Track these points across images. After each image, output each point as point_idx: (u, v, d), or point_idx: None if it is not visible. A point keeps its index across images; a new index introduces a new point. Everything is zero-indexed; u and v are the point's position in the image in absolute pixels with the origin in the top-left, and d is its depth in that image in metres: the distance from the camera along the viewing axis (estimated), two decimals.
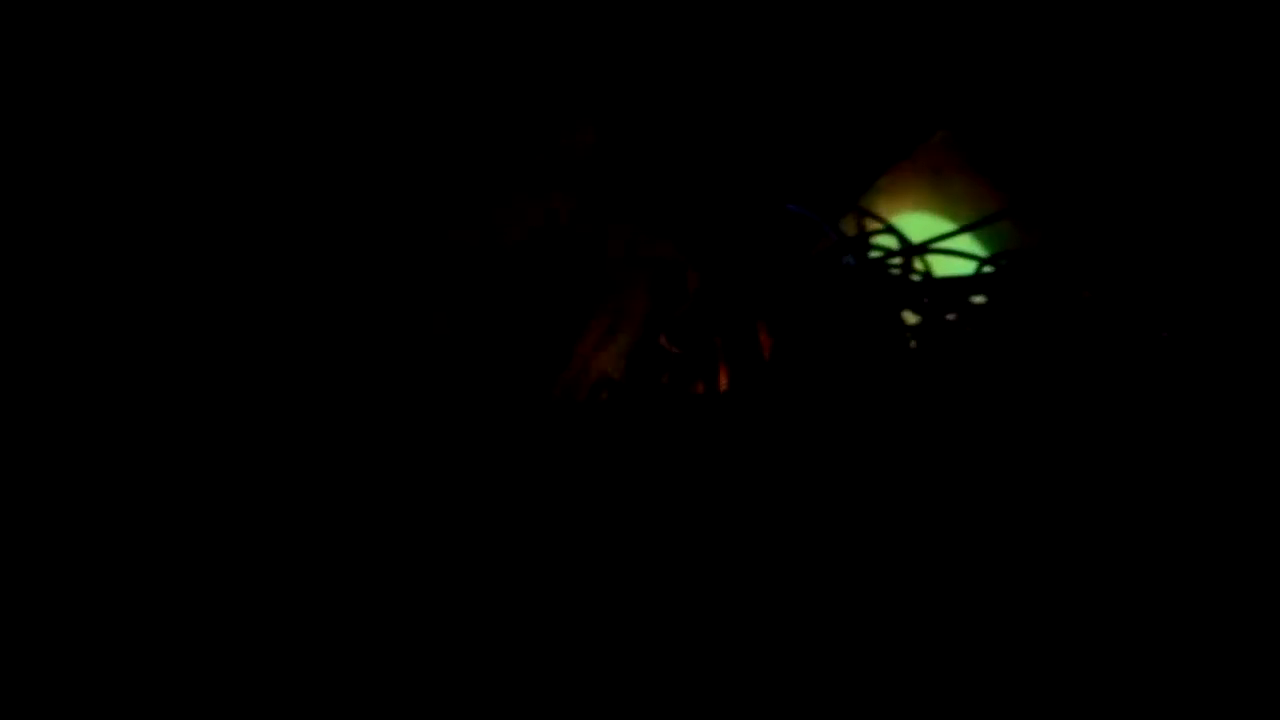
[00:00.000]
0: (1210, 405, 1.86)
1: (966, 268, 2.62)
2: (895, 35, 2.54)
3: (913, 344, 2.43)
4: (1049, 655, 1.55)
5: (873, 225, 2.70)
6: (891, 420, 2.32)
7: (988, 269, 2.59)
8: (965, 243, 2.66)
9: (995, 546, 1.78)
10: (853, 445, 2.35)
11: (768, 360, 2.53)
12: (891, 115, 2.60)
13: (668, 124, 2.67)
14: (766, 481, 2.38)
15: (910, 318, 2.70)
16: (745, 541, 2.16)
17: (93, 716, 1.54)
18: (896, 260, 2.47)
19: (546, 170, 2.73)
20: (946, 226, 2.80)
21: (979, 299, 2.43)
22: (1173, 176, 2.44)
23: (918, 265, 2.53)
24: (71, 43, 2.10)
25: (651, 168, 2.68)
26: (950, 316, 2.38)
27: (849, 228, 2.74)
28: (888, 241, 2.86)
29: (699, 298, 2.62)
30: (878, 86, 2.59)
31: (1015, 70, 2.50)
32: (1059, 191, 2.54)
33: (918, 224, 2.81)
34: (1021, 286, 2.50)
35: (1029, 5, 2.42)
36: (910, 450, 2.24)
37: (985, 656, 1.56)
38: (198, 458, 2.04)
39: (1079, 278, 2.41)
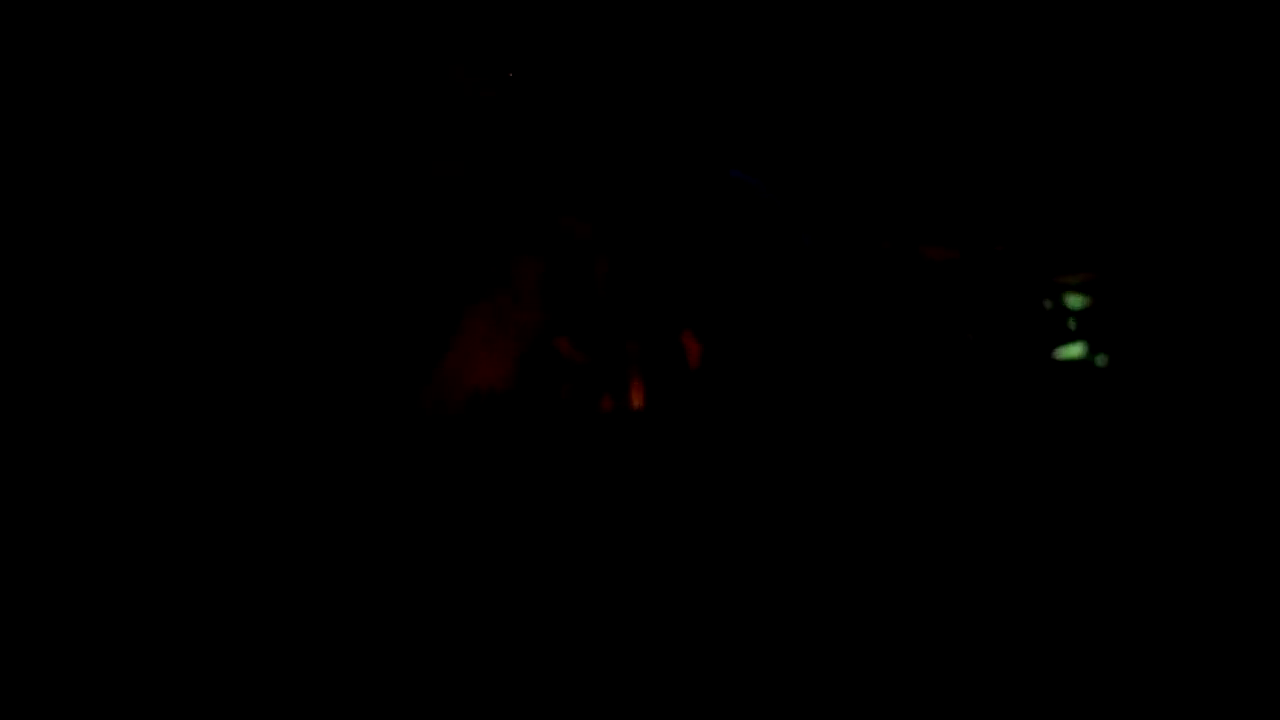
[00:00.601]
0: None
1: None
2: None
3: (902, 353, 1.93)
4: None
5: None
6: (863, 459, 1.82)
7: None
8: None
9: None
10: (801, 482, 1.83)
11: (695, 370, 1.98)
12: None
13: (566, 57, 2.07)
14: (685, 519, 1.85)
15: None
16: (655, 586, 1.66)
17: (93, 716, 1.53)
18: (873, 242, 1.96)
19: (411, 121, 2.10)
20: None
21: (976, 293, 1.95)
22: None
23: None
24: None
25: (548, 117, 2.08)
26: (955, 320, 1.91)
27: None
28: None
29: (610, 291, 2.05)
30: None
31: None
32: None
33: None
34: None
35: None
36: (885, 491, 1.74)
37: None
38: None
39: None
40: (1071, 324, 2.02)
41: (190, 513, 1.86)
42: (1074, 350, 2.01)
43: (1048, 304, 2.02)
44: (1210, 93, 2.03)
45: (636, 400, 2.00)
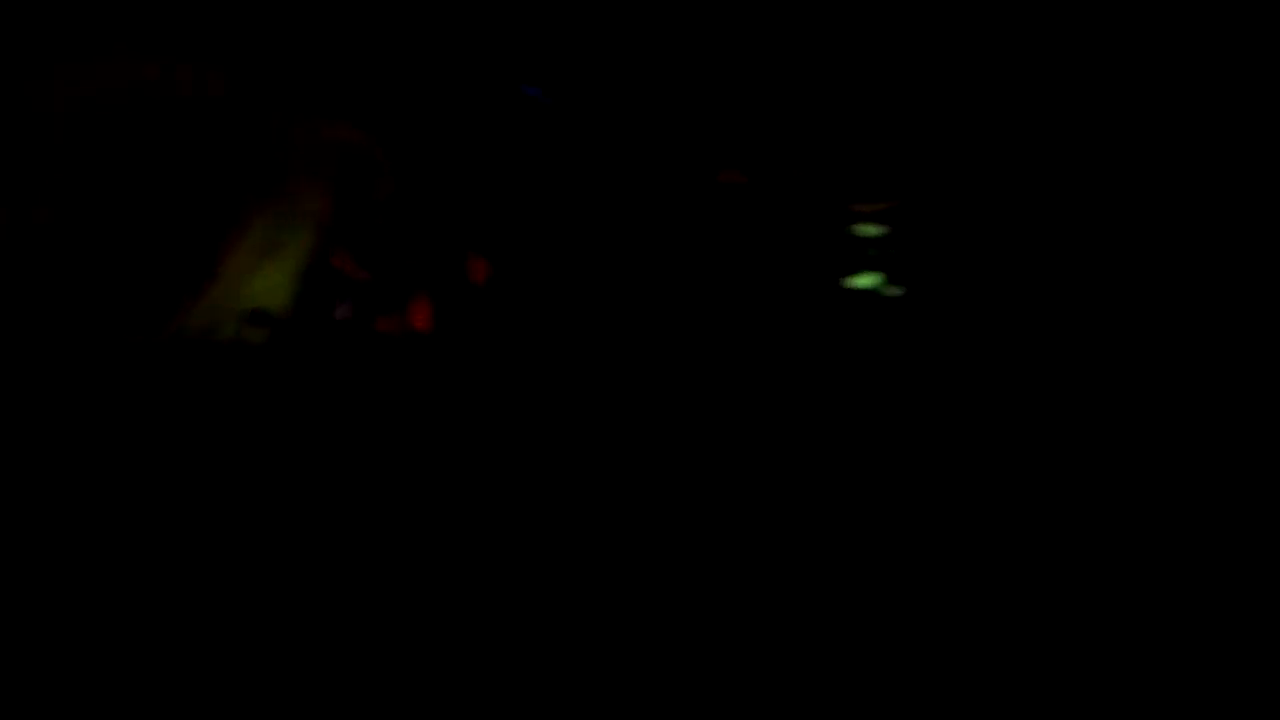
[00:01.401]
0: None
1: None
2: None
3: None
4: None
5: None
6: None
7: None
8: None
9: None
10: (585, 407, 1.77)
11: (481, 288, 1.89)
12: None
13: None
14: (475, 451, 1.77)
15: None
16: (448, 531, 1.60)
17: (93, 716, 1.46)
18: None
19: (170, 11, 1.92)
20: None
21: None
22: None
23: None
24: None
25: (328, 19, 1.94)
26: None
27: None
28: None
29: (394, 204, 1.93)
30: None
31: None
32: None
33: None
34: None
35: None
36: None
37: None
38: None
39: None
40: (871, 253, 2.02)
41: None
42: (868, 280, 2.00)
43: (843, 232, 2.01)
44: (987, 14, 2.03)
45: (421, 321, 1.90)
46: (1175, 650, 1.56)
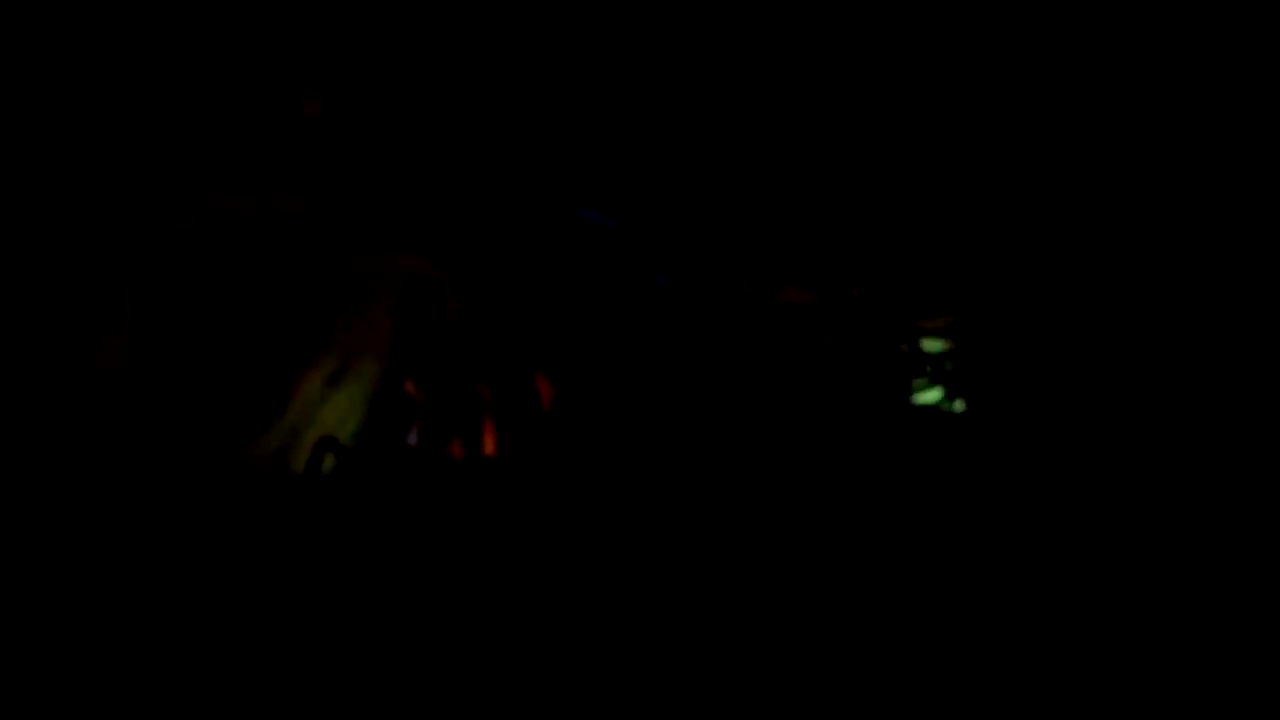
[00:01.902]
0: None
1: None
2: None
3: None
4: None
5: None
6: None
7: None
8: None
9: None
10: (656, 530, 1.77)
11: (548, 415, 1.91)
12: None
13: (421, 93, 1.99)
14: (543, 572, 1.77)
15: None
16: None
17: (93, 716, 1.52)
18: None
19: (257, 157, 1.99)
20: None
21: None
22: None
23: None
24: None
25: (401, 154, 2.00)
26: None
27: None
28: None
29: (460, 331, 1.97)
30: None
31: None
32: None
33: None
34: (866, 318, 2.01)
35: None
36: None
37: None
38: None
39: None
40: (929, 369, 2.01)
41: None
42: (932, 394, 1.99)
43: (905, 348, 2.00)
44: (1054, 134, 2.04)
45: (488, 445, 1.92)
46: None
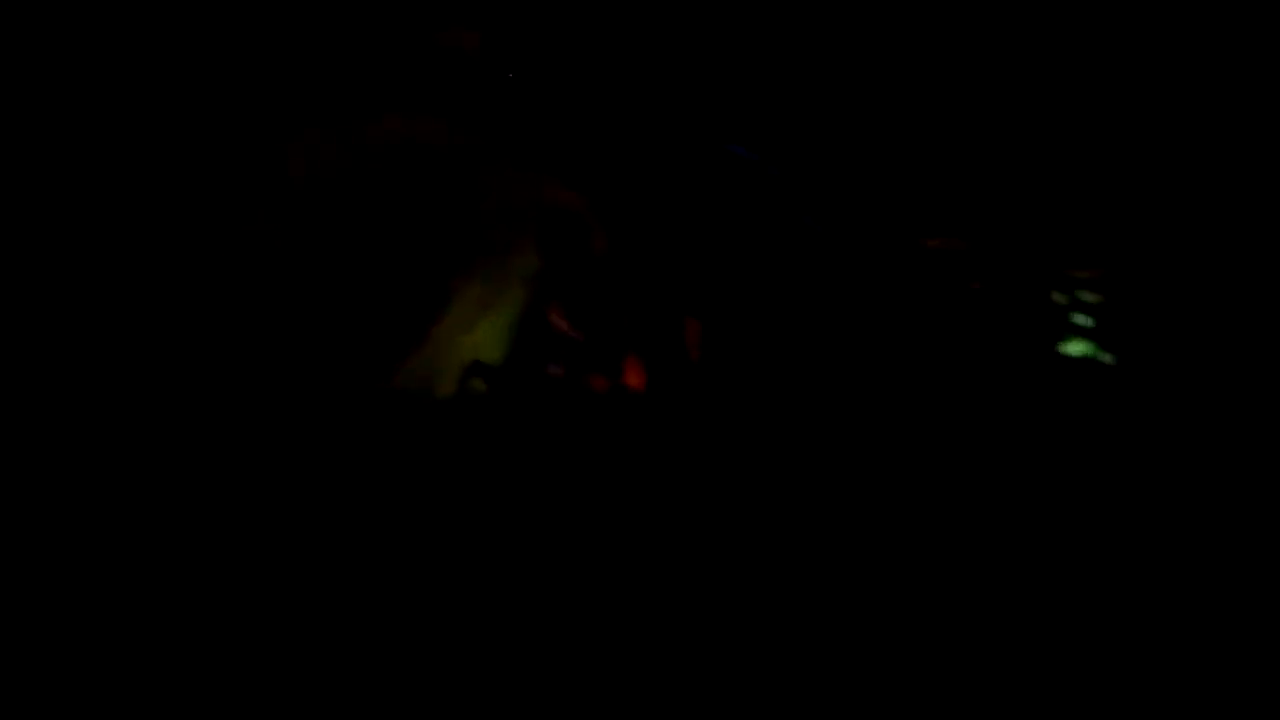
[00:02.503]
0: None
1: None
2: None
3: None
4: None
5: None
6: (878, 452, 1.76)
7: None
8: None
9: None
10: (801, 475, 1.77)
11: (695, 357, 1.91)
12: None
13: (575, 27, 1.98)
14: (683, 510, 1.78)
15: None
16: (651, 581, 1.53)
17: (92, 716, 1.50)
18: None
19: (409, 83, 1.99)
20: None
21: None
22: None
23: None
24: None
25: (551, 87, 1.99)
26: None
27: None
28: None
29: (606, 266, 1.97)
30: None
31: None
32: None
33: None
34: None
35: None
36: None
37: None
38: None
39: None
40: (1081, 319, 1.98)
41: (167, 505, 1.75)
42: (1081, 347, 1.96)
43: (1057, 298, 1.97)
44: (1214, 92, 1.98)
45: (634, 381, 1.93)
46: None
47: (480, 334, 1.97)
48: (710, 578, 1.74)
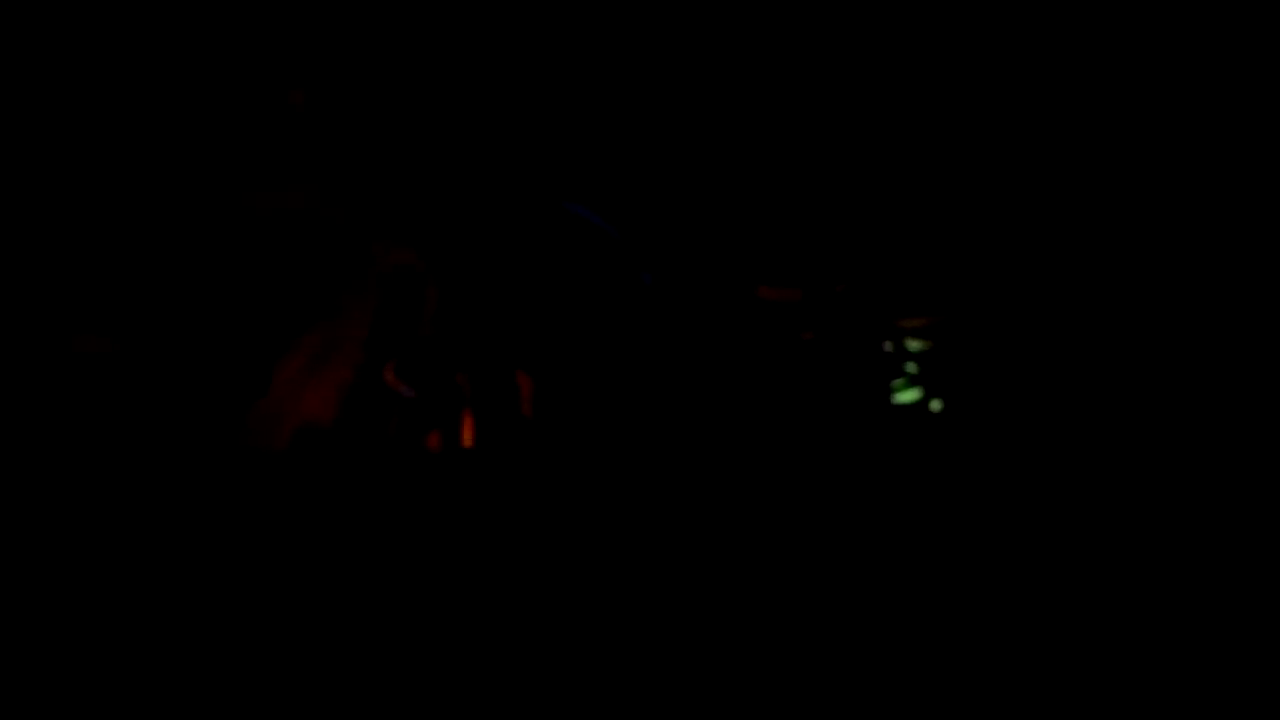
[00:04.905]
0: None
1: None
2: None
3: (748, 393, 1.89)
4: None
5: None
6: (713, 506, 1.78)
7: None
8: None
9: None
10: (632, 528, 1.78)
11: (526, 412, 1.92)
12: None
13: (406, 85, 2.00)
14: (517, 566, 1.78)
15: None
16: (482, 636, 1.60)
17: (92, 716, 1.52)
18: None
19: (239, 147, 2.00)
20: None
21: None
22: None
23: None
24: None
25: (384, 146, 2.01)
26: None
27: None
28: None
29: (440, 323, 1.97)
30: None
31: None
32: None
33: None
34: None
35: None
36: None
37: None
38: None
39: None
40: (911, 367, 2.01)
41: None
42: (910, 394, 1.99)
43: (888, 346, 2.00)
44: (1039, 135, 2.03)
45: (466, 438, 1.93)
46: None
47: (315, 393, 1.97)
48: (533, 634, 1.74)
